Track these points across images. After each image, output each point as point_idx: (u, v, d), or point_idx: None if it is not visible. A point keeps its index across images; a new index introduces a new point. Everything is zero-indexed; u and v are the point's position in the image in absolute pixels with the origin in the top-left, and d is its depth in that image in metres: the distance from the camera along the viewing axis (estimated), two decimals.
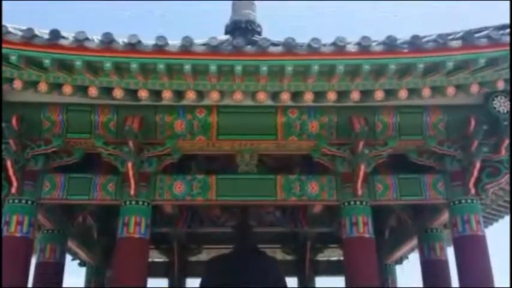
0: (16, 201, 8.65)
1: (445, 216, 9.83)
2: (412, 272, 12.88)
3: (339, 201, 9.15)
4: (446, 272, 10.51)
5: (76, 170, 9.14)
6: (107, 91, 7.94)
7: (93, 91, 7.87)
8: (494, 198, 11.14)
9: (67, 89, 7.86)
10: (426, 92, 8.08)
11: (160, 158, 9.07)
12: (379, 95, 8.08)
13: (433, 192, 9.19)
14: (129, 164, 8.56)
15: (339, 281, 11.37)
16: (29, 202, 8.71)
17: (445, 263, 10.55)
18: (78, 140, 8.86)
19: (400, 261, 13.27)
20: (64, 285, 10.38)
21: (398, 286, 12.80)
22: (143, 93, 7.93)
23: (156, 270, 13.67)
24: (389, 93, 8.11)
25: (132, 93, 7.99)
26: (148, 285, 9.20)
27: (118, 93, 7.92)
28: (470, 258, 8.76)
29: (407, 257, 13.29)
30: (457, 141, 9.02)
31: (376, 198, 9.15)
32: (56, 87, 7.89)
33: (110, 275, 11.30)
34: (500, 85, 8.17)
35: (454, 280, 9.74)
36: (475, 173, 8.87)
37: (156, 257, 14.17)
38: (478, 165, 8.82)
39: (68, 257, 11.83)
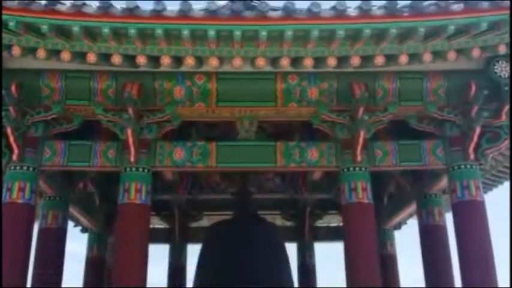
0: (17, 168, 8.69)
1: (444, 182, 9.89)
2: (410, 238, 13.05)
3: (338, 167, 9.19)
4: (444, 237, 10.62)
5: (76, 137, 9.16)
6: (106, 57, 7.89)
7: (91, 57, 7.84)
8: (494, 164, 11.18)
9: (65, 55, 7.82)
10: (427, 56, 8.04)
11: (160, 124, 9.07)
12: (379, 60, 8.04)
13: (432, 157, 9.22)
14: (129, 131, 8.57)
15: (338, 246, 11.49)
16: (30, 169, 8.75)
17: (443, 229, 10.66)
18: (77, 106, 8.85)
19: (398, 226, 13.41)
20: (67, 251, 10.51)
21: (396, 251, 12.93)
22: (141, 59, 7.89)
23: (158, 237, 13.82)
24: (390, 58, 8.06)
25: (131, 59, 7.94)
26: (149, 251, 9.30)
27: (116, 59, 7.87)
28: (469, 224, 8.84)
29: (405, 223, 13.42)
30: (457, 107, 9.01)
31: (375, 164, 9.18)
32: (55, 53, 7.85)
33: (112, 241, 11.43)
34: (502, 49, 8.12)
35: (452, 246, 9.85)
36: (475, 139, 8.88)
37: (157, 223, 14.33)
38: (477, 130, 8.82)
39: (70, 224, 11.96)
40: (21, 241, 8.41)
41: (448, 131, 9.15)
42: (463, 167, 9.04)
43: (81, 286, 12.33)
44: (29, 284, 9.02)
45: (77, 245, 14.32)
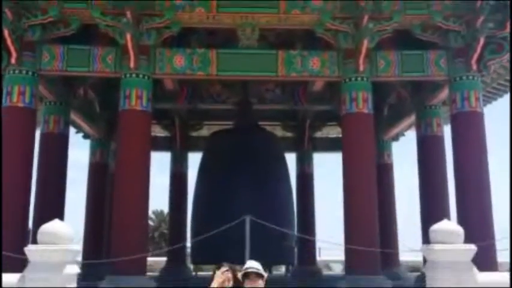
0: (16, 71, 8.64)
1: (444, 93, 9.88)
2: (407, 149, 13.23)
3: (340, 77, 9.13)
4: (441, 148, 10.77)
5: (75, 41, 9.02)
6: None
7: None
8: (495, 76, 11.10)
9: None
10: None
11: (159, 30, 8.91)
12: None
13: (435, 68, 9.15)
14: (128, 36, 8.43)
15: (337, 157, 11.66)
16: (30, 73, 8.70)
17: (440, 139, 10.78)
18: (74, 10, 8.68)
19: (396, 137, 13.55)
20: (70, 160, 10.65)
21: (393, 161, 13.16)
22: None
23: (159, 144, 14.03)
24: None
25: None
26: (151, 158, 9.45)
27: None
28: (467, 134, 8.94)
29: (403, 134, 13.56)
30: (462, 17, 8.83)
31: (377, 74, 9.13)
32: None
33: (115, 147, 11.58)
34: None
35: (449, 157, 10.00)
36: (478, 50, 8.77)
37: (159, 132, 14.48)
38: (481, 41, 8.69)
39: (72, 131, 12.05)
40: (23, 145, 8.52)
41: (452, 42, 9.01)
42: (464, 78, 8.99)
43: (85, 192, 12.65)
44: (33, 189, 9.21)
45: (79, 152, 14.51)
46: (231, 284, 4.49)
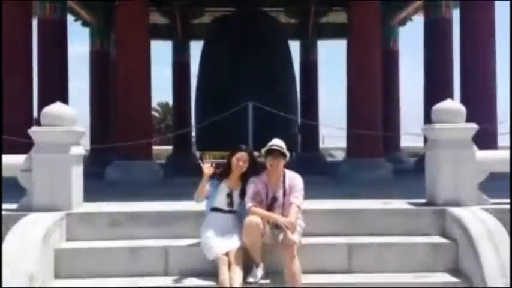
0: None
1: None
2: (414, 34, 12.92)
3: None
4: (448, 31, 10.49)
5: None
6: None
7: None
8: None
9: None
10: None
11: None
12: None
13: None
14: None
15: (341, 44, 11.40)
16: None
17: (448, 22, 10.47)
18: None
19: (403, 22, 13.16)
20: (69, 46, 10.46)
21: (399, 47, 12.92)
22: None
23: (160, 33, 13.75)
24: None
25: None
26: (152, 46, 9.26)
27: None
28: (476, 13, 8.64)
29: (411, 19, 13.15)
30: None
31: None
32: None
33: (114, 38, 11.34)
34: None
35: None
36: None
37: (159, 20, 14.08)
38: None
39: (70, 19, 11.76)
40: (20, 30, 8.34)
41: None
42: None
43: (88, 82, 12.60)
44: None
45: (78, 39, 14.26)
46: (246, 165, 4.58)
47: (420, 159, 9.24)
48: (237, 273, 4.23)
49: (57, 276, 4.60)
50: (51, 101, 5.37)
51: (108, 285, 4.45)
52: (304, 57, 14.47)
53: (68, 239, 4.89)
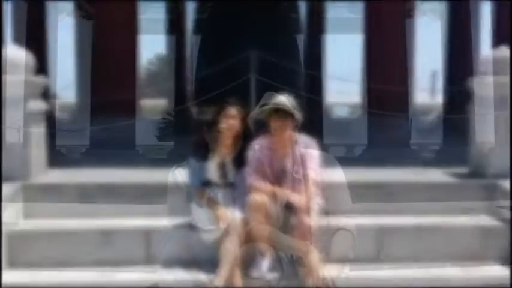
0: None
1: None
2: None
3: None
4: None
5: None
6: None
7: None
8: None
9: None
10: None
11: None
12: None
13: None
14: None
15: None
16: None
17: None
18: None
19: None
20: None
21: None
22: None
23: None
24: None
25: None
26: None
27: None
28: None
29: None
30: None
31: None
32: None
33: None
34: None
35: None
36: None
37: None
38: None
39: None
40: None
41: None
42: None
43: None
44: None
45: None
46: (237, 123, 3.53)
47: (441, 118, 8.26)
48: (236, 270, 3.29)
49: (11, 264, 3.66)
50: None
51: (75, 277, 3.53)
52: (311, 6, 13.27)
53: (26, 217, 3.93)
